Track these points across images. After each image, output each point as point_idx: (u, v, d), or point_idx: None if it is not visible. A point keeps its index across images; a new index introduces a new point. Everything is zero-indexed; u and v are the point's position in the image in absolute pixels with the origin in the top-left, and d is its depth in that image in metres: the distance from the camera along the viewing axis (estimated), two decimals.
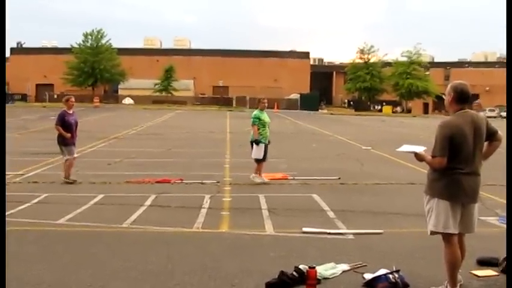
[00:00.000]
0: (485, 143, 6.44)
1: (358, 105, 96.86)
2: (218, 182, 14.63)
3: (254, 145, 14.97)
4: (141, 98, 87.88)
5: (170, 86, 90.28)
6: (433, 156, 6.23)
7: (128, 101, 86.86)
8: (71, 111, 14.81)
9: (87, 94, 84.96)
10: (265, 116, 15.18)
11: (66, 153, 14.50)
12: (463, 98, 6.33)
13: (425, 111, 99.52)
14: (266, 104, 15.61)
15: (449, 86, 6.47)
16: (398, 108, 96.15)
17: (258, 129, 14.99)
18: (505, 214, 10.90)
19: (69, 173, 14.42)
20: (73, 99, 15.20)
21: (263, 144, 14.97)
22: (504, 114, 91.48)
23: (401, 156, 19.26)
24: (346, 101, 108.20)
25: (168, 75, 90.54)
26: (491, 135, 6.45)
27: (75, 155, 14.82)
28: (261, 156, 14.91)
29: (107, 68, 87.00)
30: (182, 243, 8.64)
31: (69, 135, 14.44)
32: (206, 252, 8.16)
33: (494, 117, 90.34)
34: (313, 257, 7.95)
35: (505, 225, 10.05)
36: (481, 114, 6.51)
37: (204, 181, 14.72)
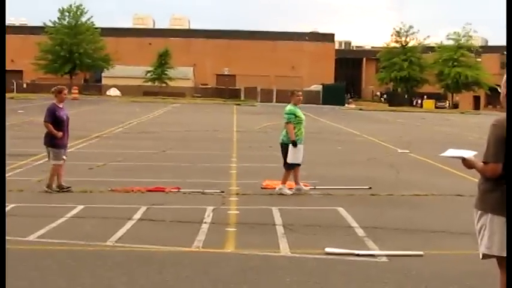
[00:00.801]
0: None
1: (393, 99, 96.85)
2: (223, 192, 14.67)
3: (290, 147, 14.89)
4: (129, 88, 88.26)
5: (165, 74, 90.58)
6: (484, 163, 6.19)
7: (113, 92, 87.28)
8: (61, 105, 14.80)
9: (64, 83, 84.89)
10: (300, 113, 15.18)
11: (52, 157, 14.49)
12: None
13: (476, 107, 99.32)
14: (301, 98, 15.61)
15: (504, 76, 6.43)
16: (444, 103, 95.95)
17: (294, 128, 14.98)
18: None
19: (55, 181, 14.39)
20: (66, 91, 15.17)
21: (301, 146, 14.98)
22: None
23: (446, 161, 19.22)
24: (378, 93, 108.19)
25: (163, 61, 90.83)
26: None
27: (64, 159, 14.74)
28: (299, 160, 14.93)
29: (88, 52, 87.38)
30: (179, 266, 8.66)
31: (60, 134, 14.42)
32: (208, 277, 8.17)
33: None
34: (337, 283, 7.96)
35: None
36: None
37: (205, 190, 14.75)
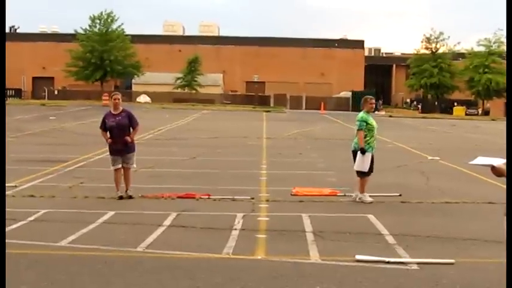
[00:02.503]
0: None
1: (424, 106, 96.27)
2: (253, 198, 14.69)
3: (358, 154, 14.88)
4: (159, 95, 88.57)
5: (195, 81, 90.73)
6: None
7: (143, 98, 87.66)
8: (116, 112, 14.92)
9: (95, 90, 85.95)
10: (372, 120, 15.13)
11: (110, 162, 14.92)
12: None
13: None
14: (374, 105, 15.57)
15: None
16: (475, 110, 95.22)
17: (365, 136, 14.94)
18: None
19: (117, 186, 14.70)
20: (117, 96, 15.23)
21: (370, 154, 14.94)
22: None
23: (477, 169, 19.07)
24: (408, 100, 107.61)
25: (192, 68, 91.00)
26: None
27: (124, 166, 14.87)
28: (366, 169, 14.86)
29: (119, 59, 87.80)
30: (209, 272, 8.67)
31: (109, 140, 14.78)
32: (238, 284, 8.18)
33: None
34: None
35: None
36: None
37: (235, 197, 14.79)
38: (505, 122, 67.12)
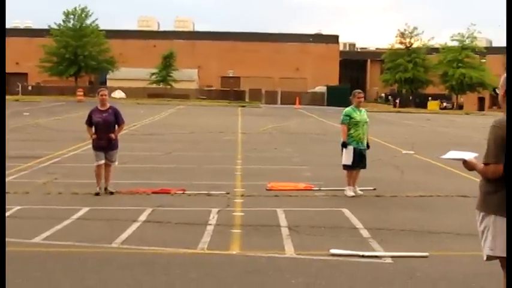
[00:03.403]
0: None
1: (399, 100, 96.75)
2: (228, 193, 14.69)
3: (343, 149, 15.00)
4: (134, 90, 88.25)
5: (170, 76, 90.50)
6: (485, 164, 6.19)
7: (118, 94, 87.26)
8: (103, 108, 14.89)
9: (69, 86, 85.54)
10: (358, 114, 15.09)
11: (94, 157, 14.89)
12: None
13: (481, 108, 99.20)
14: (362, 100, 15.51)
15: (502, 77, 6.44)
16: (449, 104, 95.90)
17: (349, 129, 15.00)
18: None
19: (98, 182, 14.67)
20: (104, 91, 15.17)
21: (351, 147, 14.96)
22: None
23: (451, 162, 19.19)
24: (383, 95, 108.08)
25: (167, 63, 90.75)
26: None
27: (107, 162, 14.81)
28: (349, 162, 14.93)
29: (93, 55, 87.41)
30: (184, 268, 8.67)
31: (94, 136, 14.79)
32: (213, 279, 8.19)
33: None
34: (342, 285, 7.96)
35: None
36: None
37: (211, 192, 14.78)
38: (480, 117, 67.73)
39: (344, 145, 14.95)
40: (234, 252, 9.62)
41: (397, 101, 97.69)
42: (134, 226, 11.21)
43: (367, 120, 15.24)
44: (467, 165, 6.37)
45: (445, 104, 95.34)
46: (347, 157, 14.89)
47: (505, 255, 6.19)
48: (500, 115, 6.30)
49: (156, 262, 8.95)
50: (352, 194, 14.72)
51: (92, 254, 9.34)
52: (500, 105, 6.41)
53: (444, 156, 6.68)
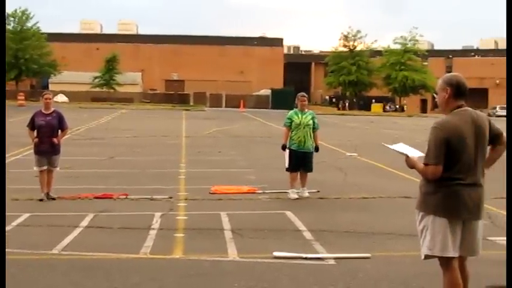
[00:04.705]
0: (488, 148, 6.53)
1: (339, 103, 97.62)
2: (171, 198, 14.63)
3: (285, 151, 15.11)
4: (77, 94, 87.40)
5: (113, 80, 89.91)
6: (425, 164, 6.30)
7: (60, 98, 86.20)
8: (47, 112, 14.64)
9: (10, 90, 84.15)
10: (300, 117, 15.08)
11: (34, 163, 14.60)
12: (461, 92, 6.42)
13: (423, 110, 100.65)
14: (306, 102, 15.52)
15: (440, 80, 6.56)
16: (394, 107, 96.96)
17: (291, 132, 15.03)
18: None
19: (42, 188, 14.39)
20: (48, 95, 14.93)
21: (289, 150, 15.00)
22: None
23: (393, 164, 19.44)
24: (327, 97, 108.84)
25: (110, 66, 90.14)
26: (495, 138, 6.52)
27: (50, 168, 14.56)
28: (286, 164, 15.03)
29: (34, 58, 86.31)
30: (126, 273, 8.61)
31: (35, 140, 14.49)
32: (156, 283, 8.15)
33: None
34: (285, 287, 7.98)
35: None
36: (481, 113, 6.60)
37: (154, 196, 14.70)
38: (423, 119, 68.65)
39: (283, 148, 15.02)
40: (177, 256, 9.58)
41: (346, 103, 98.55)
42: (76, 232, 11.08)
43: (310, 123, 15.24)
44: (409, 162, 6.48)
45: (388, 107, 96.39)
46: (286, 159, 14.99)
47: (442, 255, 6.31)
48: (442, 117, 6.43)
49: (98, 268, 8.88)
50: (296, 196, 14.78)
51: (32, 261, 9.21)
52: (442, 109, 6.54)
53: (391, 146, 6.76)
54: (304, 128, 15.04)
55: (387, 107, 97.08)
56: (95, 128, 39.97)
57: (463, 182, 6.26)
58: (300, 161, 14.97)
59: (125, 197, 14.65)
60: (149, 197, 14.64)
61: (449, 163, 6.22)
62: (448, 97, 6.42)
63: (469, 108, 6.44)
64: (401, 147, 6.69)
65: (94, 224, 11.80)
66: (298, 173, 15.09)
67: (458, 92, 6.40)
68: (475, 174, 6.31)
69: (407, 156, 6.49)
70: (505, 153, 6.69)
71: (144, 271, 8.71)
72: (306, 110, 15.34)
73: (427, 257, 6.45)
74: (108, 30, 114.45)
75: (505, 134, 6.60)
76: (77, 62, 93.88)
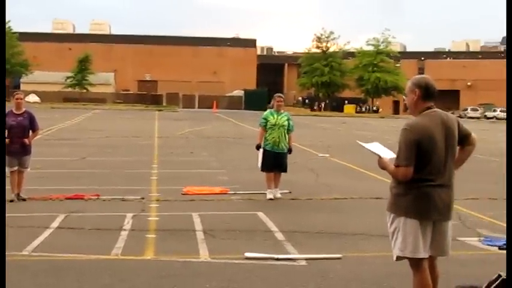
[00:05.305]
0: (457, 148, 6.58)
1: (314, 104, 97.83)
2: (143, 198, 14.57)
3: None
4: (49, 94, 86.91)
5: (85, 80, 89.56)
6: (396, 166, 6.33)
7: (32, 98, 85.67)
8: (18, 112, 14.49)
9: None
10: (276, 118, 15.08)
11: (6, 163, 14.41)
12: (429, 93, 6.46)
13: (396, 111, 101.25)
14: (282, 103, 15.48)
15: (409, 82, 6.61)
16: (367, 108, 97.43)
17: (266, 132, 15.04)
18: (490, 234, 11.22)
19: (13, 188, 14.25)
20: (19, 95, 14.76)
21: (262, 150, 15.01)
22: (490, 114, 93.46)
23: (365, 165, 19.53)
24: (300, 98, 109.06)
25: (83, 66, 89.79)
26: (464, 139, 6.58)
27: (20, 169, 14.40)
28: (259, 164, 15.04)
29: (5, 57, 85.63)
30: (97, 274, 8.56)
31: (6, 140, 14.24)
32: (126, 285, 8.11)
33: (478, 118, 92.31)
34: None
35: (490, 248, 10.34)
36: (451, 114, 6.65)
37: (125, 197, 14.63)
38: (395, 120, 69.02)
39: (257, 147, 15.06)
40: (149, 258, 9.54)
41: (322, 105, 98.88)
42: (47, 233, 11.00)
43: (285, 124, 15.24)
44: (381, 163, 6.51)
45: (365, 108, 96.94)
46: (260, 160, 15.02)
47: (413, 256, 6.34)
48: (412, 118, 6.47)
49: (68, 269, 8.81)
50: (271, 196, 14.79)
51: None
52: (411, 111, 6.58)
53: (365, 145, 6.78)
54: (279, 128, 15.06)
55: (363, 108, 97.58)
56: (66, 129, 39.76)
57: (434, 183, 6.29)
58: (275, 162, 14.99)
59: (96, 197, 14.58)
60: (121, 197, 14.57)
61: (420, 164, 6.25)
62: (417, 99, 6.47)
63: (439, 110, 6.49)
64: (376, 147, 6.71)
65: (65, 225, 11.71)
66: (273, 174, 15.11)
67: (427, 93, 6.44)
68: (445, 175, 6.35)
69: (379, 157, 6.52)
70: (505, 151, 6.75)
71: (115, 272, 8.66)
72: (282, 111, 15.36)
73: (398, 258, 6.49)
74: (81, 30, 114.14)
75: (473, 135, 6.66)
76: (49, 62, 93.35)
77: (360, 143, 6.99)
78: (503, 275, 7.06)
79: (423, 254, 6.34)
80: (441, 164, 6.31)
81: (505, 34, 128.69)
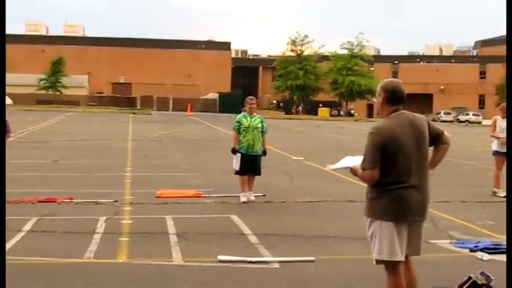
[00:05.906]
0: (431, 149, 6.63)
1: (289, 107, 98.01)
2: (116, 201, 14.51)
3: (234, 155, 15.13)
4: (22, 96, 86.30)
5: (59, 82, 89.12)
6: (363, 169, 6.38)
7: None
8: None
9: None
10: (249, 120, 15.11)
11: None
12: (396, 97, 6.52)
13: (370, 115, 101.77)
14: (255, 106, 15.55)
15: (379, 86, 6.69)
16: (336, 111, 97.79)
17: (240, 135, 15.05)
18: (462, 237, 11.31)
19: None
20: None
21: (239, 154, 14.99)
22: (463, 118, 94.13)
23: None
24: (274, 101, 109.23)
25: (56, 69, 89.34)
26: (436, 138, 6.63)
27: None
28: (237, 168, 15.01)
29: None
30: (69, 278, 8.52)
31: None
32: None
33: (451, 121, 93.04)
34: None
35: (461, 250, 10.42)
36: (419, 114, 6.71)
37: (98, 200, 14.56)
38: (369, 124, 69.25)
39: (233, 151, 15.06)
40: (121, 261, 9.50)
41: (300, 108, 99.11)
42: (18, 236, 10.92)
43: (259, 126, 15.28)
44: (352, 172, 6.57)
45: (342, 112, 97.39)
46: (236, 163, 15.02)
47: (390, 259, 6.38)
48: (381, 121, 6.53)
49: (40, 272, 8.76)
50: (245, 199, 14.80)
51: None
52: (379, 114, 6.65)
53: (336, 166, 6.84)
54: (253, 130, 15.09)
55: (341, 112, 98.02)
56: (39, 131, 39.50)
57: (405, 184, 6.32)
58: (249, 165, 15.01)
59: (69, 200, 14.49)
60: (94, 200, 14.50)
61: (388, 167, 6.30)
62: (383, 102, 6.55)
63: (406, 111, 6.54)
64: (346, 161, 6.78)
65: (37, 228, 11.64)
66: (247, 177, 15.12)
67: (393, 97, 6.51)
68: (415, 176, 6.38)
69: (350, 169, 6.58)
70: (505, 152, 6.79)
71: (88, 276, 8.62)
72: (255, 114, 15.41)
73: (377, 262, 6.52)
74: (55, 32, 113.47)
75: (446, 133, 6.71)
76: (22, 64, 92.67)
77: (331, 166, 7.03)
78: (474, 276, 7.13)
79: (400, 257, 6.38)
80: (410, 166, 6.34)
81: (477, 39, 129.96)
